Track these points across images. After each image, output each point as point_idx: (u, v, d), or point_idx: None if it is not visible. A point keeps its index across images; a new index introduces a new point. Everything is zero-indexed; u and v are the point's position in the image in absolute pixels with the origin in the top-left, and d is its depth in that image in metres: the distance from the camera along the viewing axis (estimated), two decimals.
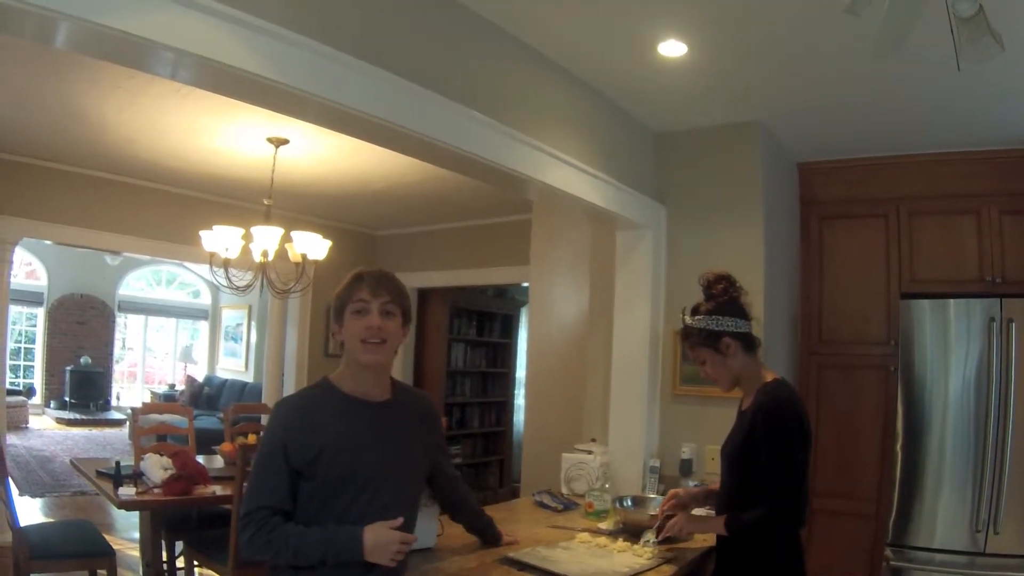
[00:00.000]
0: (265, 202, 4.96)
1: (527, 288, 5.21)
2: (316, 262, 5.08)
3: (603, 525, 3.02)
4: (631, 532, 2.80)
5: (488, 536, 2.61)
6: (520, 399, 8.90)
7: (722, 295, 2.47)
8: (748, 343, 2.45)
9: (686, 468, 3.77)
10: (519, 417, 8.84)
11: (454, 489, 2.49)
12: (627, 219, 3.80)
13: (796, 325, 4.40)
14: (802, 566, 2.39)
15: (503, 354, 9.15)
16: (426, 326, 8.08)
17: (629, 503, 3.08)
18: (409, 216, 7.30)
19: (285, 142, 4.83)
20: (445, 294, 8.00)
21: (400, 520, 1.93)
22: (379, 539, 1.87)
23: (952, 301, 3.76)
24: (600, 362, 4.16)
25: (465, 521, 2.60)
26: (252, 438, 4.16)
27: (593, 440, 3.99)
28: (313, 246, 5.00)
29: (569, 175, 3.31)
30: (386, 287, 1.98)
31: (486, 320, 8.89)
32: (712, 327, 2.41)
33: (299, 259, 4.99)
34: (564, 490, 3.71)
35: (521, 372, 8.90)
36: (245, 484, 2.01)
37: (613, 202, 3.63)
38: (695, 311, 2.49)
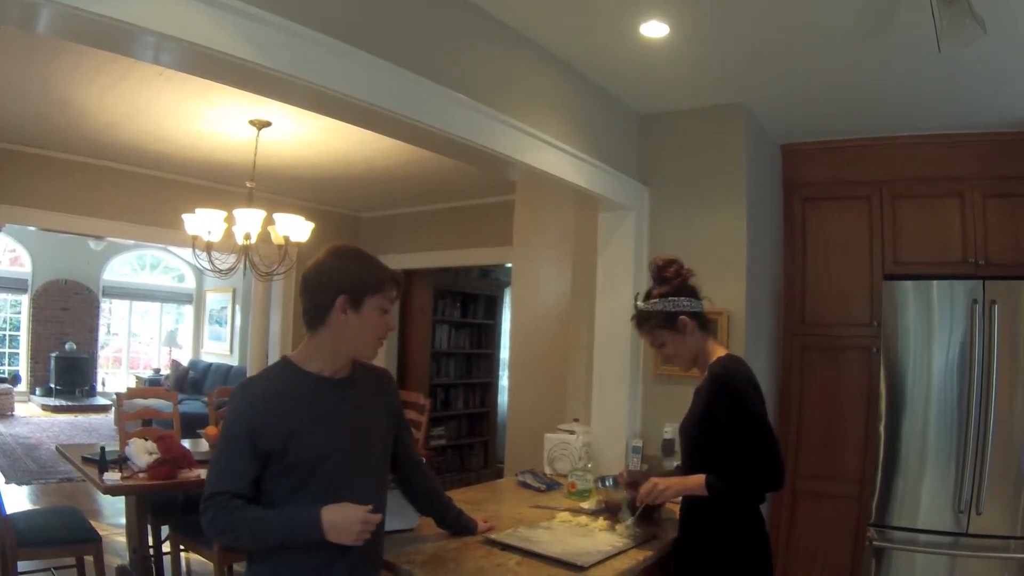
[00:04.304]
0: (248, 185, 4.95)
1: (511, 269, 5.20)
2: (299, 244, 5.05)
3: (585, 505, 3.04)
4: (613, 512, 2.82)
5: (460, 527, 2.52)
6: (504, 380, 8.77)
7: (675, 277, 2.54)
8: (702, 321, 2.52)
9: (668, 448, 3.76)
10: (503, 398, 8.74)
11: (419, 475, 2.41)
12: (610, 200, 3.78)
13: (779, 306, 4.40)
14: (766, 543, 2.43)
15: (487, 335, 9.12)
16: (410, 308, 8.04)
17: (611, 483, 3.04)
18: (392, 198, 7.26)
19: (267, 124, 4.80)
20: (429, 275, 7.96)
21: (370, 507, 1.89)
22: (339, 519, 1.82)
23: (935, 283, 3.77)
24: (583, 343, 4.17)
25: (434, 513, 2.51)
26: None
27: (576, 420, 3.99)
28: (296, 228, 4.98)
29: (552, 156, 3.29)
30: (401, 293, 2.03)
31: (470, 301, 8.85)
32: (668, 308, 2.48)
33: (282, 241, 4.97)
34: (547, 470, 3.72)
35: (505, 353, 8.75)
36: None
37: (596, 183, 3.62)
38: (648, 296, 2.57)
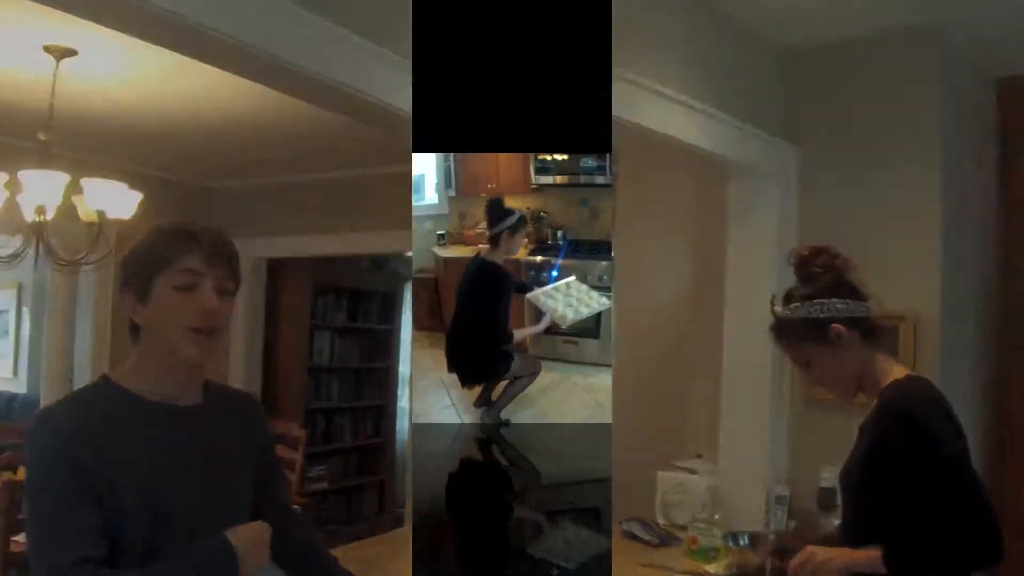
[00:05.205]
0: (41, 137, 4.13)
1: (412, 259, 4.62)
2: (120, 222, 4.30)
3: (711, 568, 2.88)
4: None
5: None
6: (404, 401, 8.09)
7: (825, 272, 2.18)
8: (867, 330, 2.15)
9: (827, 500, 3.21)
10: (403, 424, 8.07)
11: (295, 531, 1.90)
12: (743, 165, 3.43)
13: (991, 308, 3.77)
14: None
15: (382, 344, 8.24)
16: (279, 309, 7.08)
17: (746, 541, 2.86)
18: (256, 163, 6.22)
19: (72, 53, 3.97)
20: (305, 267, 7.09)
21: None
22: (249, 538, 1.57)
23: None
24: (707, 356, 3.77)
25: None
26: (23, 472, 3.56)
27: (698, 456, 3.72)
28: (114, 200, 4.28)
29: (664, 111, 2.95)
30: (227, 255, 1.66)
31: (360, 300, 7.97)
32: (815, 314, 2.12)
33: (94, 218, 4.26)
34: (660, 519, 3.52)
35: (405, 367, 8.09)
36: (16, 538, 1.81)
37: (723, 143, 3.27)
38: (788, 299, 2.22)
